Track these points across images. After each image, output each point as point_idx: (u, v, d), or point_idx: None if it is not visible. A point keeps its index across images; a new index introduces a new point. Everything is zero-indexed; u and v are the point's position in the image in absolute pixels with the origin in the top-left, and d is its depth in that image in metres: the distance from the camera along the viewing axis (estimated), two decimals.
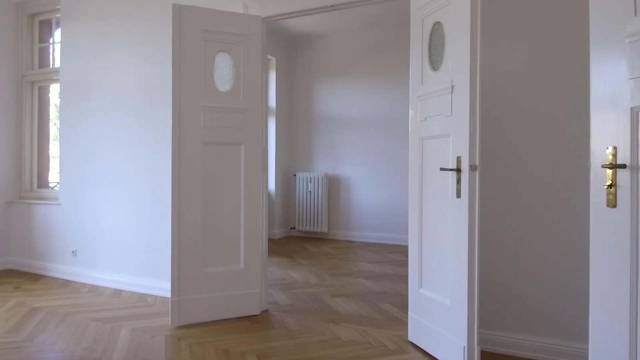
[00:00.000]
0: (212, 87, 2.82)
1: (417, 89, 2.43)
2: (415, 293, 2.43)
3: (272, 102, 6.12)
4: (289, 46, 6.46)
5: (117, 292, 3.49)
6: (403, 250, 5.20)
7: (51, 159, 4.64)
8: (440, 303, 2.20)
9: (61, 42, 4.06)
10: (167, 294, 3.08)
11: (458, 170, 2.06)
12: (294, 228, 6.32)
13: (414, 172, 2.45)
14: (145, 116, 3.48)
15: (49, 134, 4.63)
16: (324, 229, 6.01)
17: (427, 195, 2.35)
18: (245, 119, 2.88)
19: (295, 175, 6.30)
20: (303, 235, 6.28)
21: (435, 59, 2.30)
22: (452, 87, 2.11)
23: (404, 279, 3.82)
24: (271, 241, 5.61)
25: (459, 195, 2.06)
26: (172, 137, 2.70)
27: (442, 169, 2.11)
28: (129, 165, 3.57)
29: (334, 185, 6.12)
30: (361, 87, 5.95)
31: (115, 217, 3.64)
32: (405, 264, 4.35)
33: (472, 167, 2.00)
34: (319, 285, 3.67)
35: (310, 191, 6.07)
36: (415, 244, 2.43)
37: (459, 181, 2.06)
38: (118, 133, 3.63)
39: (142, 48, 3.51)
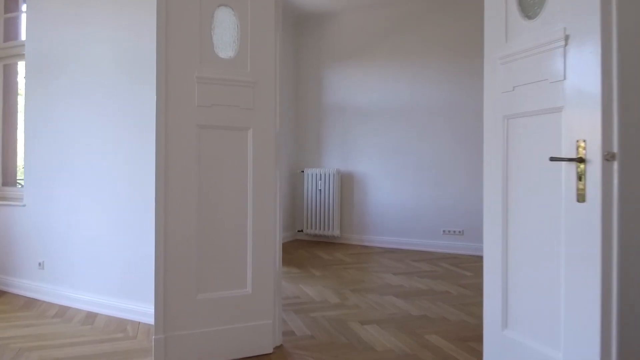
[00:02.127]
0: (211, 52, 2.12)
1: (498, 49, 1.74)
2: (495, 335, 1.74)
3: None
4: (295, 26, 5.75)
5: (90, 317, 2.79)
6: (428, 258, 4.51)
7: (19, 152, 3.93)
8: (544, 356, 1.51)
9: (26, 10, 3.34)
10: (152, 320, 2.39)
11: (580, 161, 1.37)
12: (302, 231, 5.63)
13: (492, 164, 1.76)
14: (129, 100, 2.78)
15: (16, 122, 3.92)
16: (336, 232, 5.32)
17: (516, 198, 1.66)
18: (254, 95, 2.18)
19: (302, 171, 5.60)
20: (312, 240, 5.59)
21: (529, 2, 1.61)
22: (567, 37, 1.42)
23: (443, 297, 3.13)
24: None
25: (581, 198, 1.37)
26: (157, 119, 2.00)
27: (553, 159, 1.42)
28: (108, 159, 2.86)
29: (346, 183, 5.43)
30: (378, 72, 5.25)
31: (91, 223, 2.93)
32: (438, 276, 3.67)
33: (608, 156, 1.32)
34: (342, 307, 2.98)
35: (320, 190, 5.38)
36: (495, 265, 1.74)
37: (581, 177, 1.38)
38: (95, 120, 2.92)
39: (125, 15, 2.80)
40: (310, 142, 5.68)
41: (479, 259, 4.51)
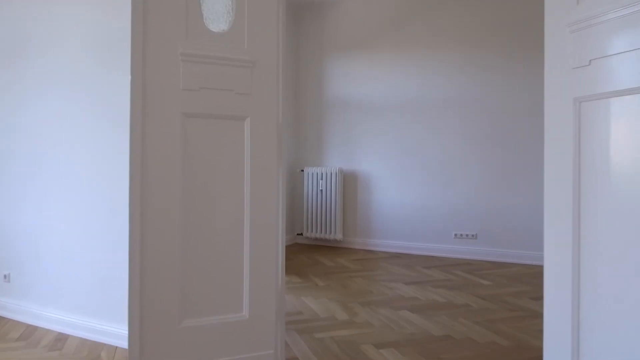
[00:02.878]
0: (199, 24, 1.74)
1: (565, 13, 1.36)
2: None
3: None
4: (295, 15, 5.37)
5: (60, 339, 2.40)
6: (440, 264, 4.15)
7: None
8: None
9: None
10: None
11: None
12: (301, 234, 5.25)
13: (557, 162, 1.39)
14: (103, 88, 2.38)
15: None
16: (338, 235, 4.94)
17: (595, 206, 1.28)
18: (252, 77, 1.80)
19: (302, 170, 5.22)
20: (312, 243, 5.21)
21: None
22: None
23: (465, 312, 2.76)
24: None
25: None
26: (131, 105, 1.62)
27: None
28: (83, 158, 2.47)
29: (350, 183, 5.05)
30: (384, 64, 4.88)
31: (64, 231, 2.54)
32: (453, 286, 3.29)
33: None
34: (351, 325, 2.61)
35: (321, 190, 5.00)
36: (563, 286, 1.37)
37: None
38: (63, 112, 2.53)
39: None
40: (310, 139, 5.30)
41: (495, 265, 4.15)
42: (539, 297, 3.13)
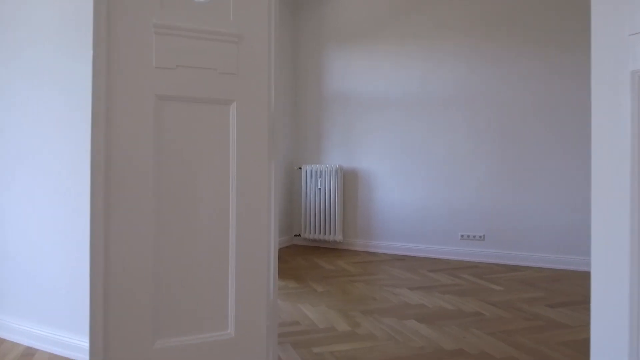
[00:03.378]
0: None
1: None
2: None
3: None
4: (293, 4, 5.11)
5: (27, 355, 2.14)
6: (445, 267, 3.90)
7: None
8: None
9: None
10: None
11: None
12: (299, 235, 4.99)
13: (610, 148, 1.13)
14: (75, 76, 2.12)
15: None
16: (338, 237, 4.69)
17: None
18: (239, 54, 1.54)
19: (300, 168, 4.96)
20: (311, 245, 4.95)
21: None
22: None
23: (477, 322, 2.51)
24: None
25: None
26: (93, 86, 1.36)
27: None
28: (51, 150, 2.21)
29: (350, 182, 4.80)
30: (386, 57, 4.63)
31: (28, 234, 2.28)
32: (462, 292, 3.03)
33: None
34: (353, 337, 2.35)
35: (320, 189, 4.75)
36: (618, 291, 1.12)
37: None
38: (29, 99, 2.26)
39: None
40: (309, 136, 5.04)
41: (504, 268, 3.90)
42: (556, 305, 2.88)
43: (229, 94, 1.53)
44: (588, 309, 2.78)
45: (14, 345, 2.26)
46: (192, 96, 1.48)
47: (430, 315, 2.69)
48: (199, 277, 1.50)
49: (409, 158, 4.53)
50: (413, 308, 2.82)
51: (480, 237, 4.23)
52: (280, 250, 4.70)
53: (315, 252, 4.58)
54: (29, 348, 2.22)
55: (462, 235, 4.30)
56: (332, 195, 4.68)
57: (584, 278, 3.58)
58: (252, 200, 1.57)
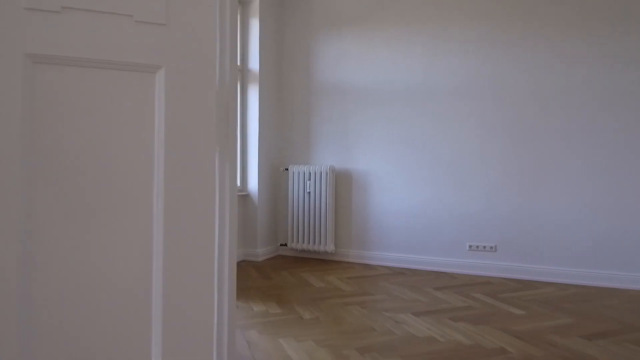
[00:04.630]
0: None
1: None
2: None
3: (255, 65, 4.22)
4: None
5: None
6: (453, 283, 3.36)
7: None
8: None
9: None
10: None
11: None
12: (285, 245, 4.44)
13: None
14: None
15: None
16: (329, 247, 4.14)
17: None
18: None
19: (287, 169, 4.41)
20: (298, 256, 4.40)
21: None
22: None
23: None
24: (251, 266, 3.73)
25: None
26: None
27: None
28: None
29: (343, 185, 4.26)
30: (384, 45, 4.09)
31: None
32: (477, 318, 2.46)
33: None
34: None
35: (309, 192, 4.20)
36: None
37: None
38: None
39: None
40: (296, 133, 4.49)
41: (521, 284, 3.38)
42: (592, 335, 2.35)
43: (153, 56, 0.98)
44: (630, 341, 2.26)
45: None
46: (89, 58, 0.92)
47: (442, 353, 2.15)
48: (102, 311, 0.95)
49: (410, 158, 3.99)
50: (421, 343, 2.28)
51: (491, 248, 3.70)
52: (264, 262, 4.14)
53: (304, 265, 4.03)
54: None
55: (470, 246, 3.77)
56: (323, 200, 4.13)
57: (616, 296, 3.07)
58: (188, 210, 1.02)
